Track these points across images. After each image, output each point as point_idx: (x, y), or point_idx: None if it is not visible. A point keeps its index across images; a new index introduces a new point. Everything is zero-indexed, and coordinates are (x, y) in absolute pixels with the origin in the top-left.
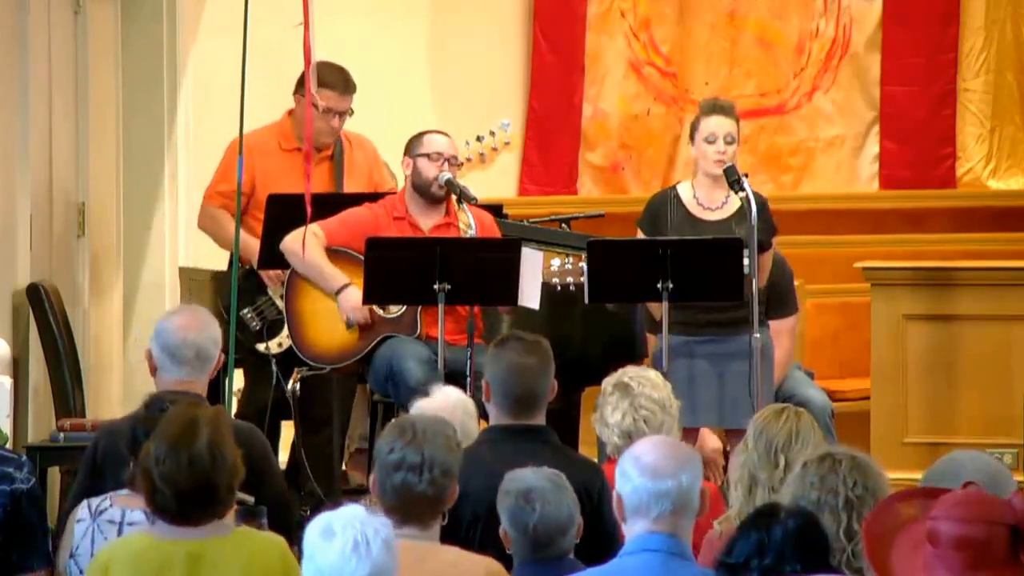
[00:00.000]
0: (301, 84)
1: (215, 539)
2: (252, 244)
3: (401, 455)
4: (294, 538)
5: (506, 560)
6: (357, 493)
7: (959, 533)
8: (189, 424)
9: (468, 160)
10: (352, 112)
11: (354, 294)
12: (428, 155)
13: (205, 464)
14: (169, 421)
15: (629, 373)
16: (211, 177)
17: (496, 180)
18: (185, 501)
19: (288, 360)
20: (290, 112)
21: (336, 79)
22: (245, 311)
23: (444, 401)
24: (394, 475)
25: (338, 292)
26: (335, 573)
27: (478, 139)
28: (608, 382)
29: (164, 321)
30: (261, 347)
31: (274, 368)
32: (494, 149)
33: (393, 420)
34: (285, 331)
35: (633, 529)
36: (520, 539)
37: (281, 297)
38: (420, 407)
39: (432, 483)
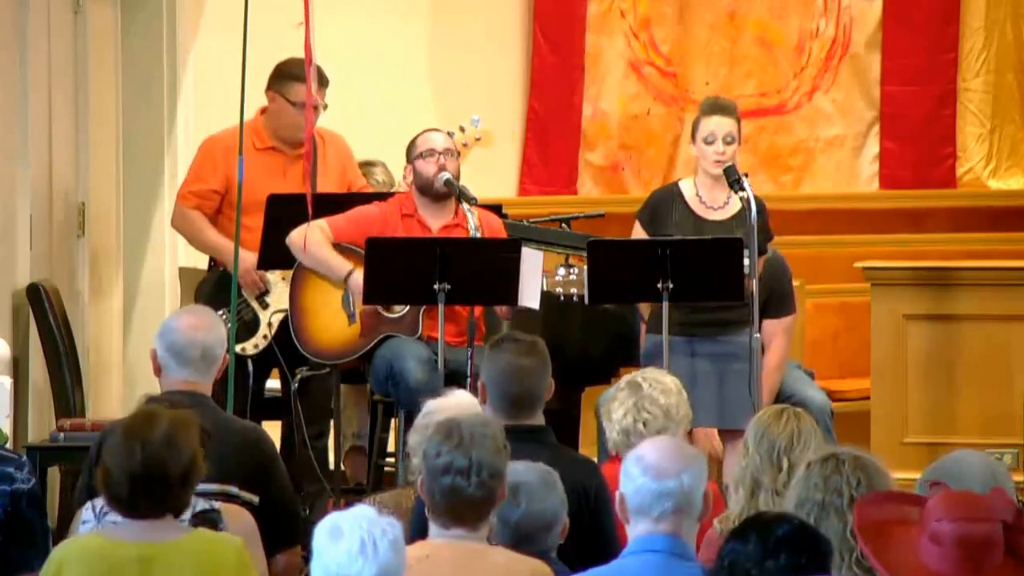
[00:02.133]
0: (275, 81)
1: (169, 541)
2: (227, 246)
3: (449, 459)
4: (300, 539)
5: None
6: (355, 492)
7: (961, 532)
8: (148, 417)
9: None
10: (326, 106)
11: (361, 277)
12: (422, 154)
13: (160, 452)
14: (130, 415)
15: (646, 374)
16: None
17: (496, 180)
18: (136, 489)
19: (264, 361)
20: (262, 110)
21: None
22: (220, 313)
23: (456, 407)
24: (442, 479)
25: (346, 279)
26: (342, 573)
27: (448, 135)
28: (624, 378)
29: (170, 321)
30: (237, 348)
31: (251, 369)
32: (464, 145)
33: (440, 423)
34: (261, 332)
35: (636, 529)
36: (502, 531)
37: (256, 299)
38: (433, 407)
39: (481, 486)
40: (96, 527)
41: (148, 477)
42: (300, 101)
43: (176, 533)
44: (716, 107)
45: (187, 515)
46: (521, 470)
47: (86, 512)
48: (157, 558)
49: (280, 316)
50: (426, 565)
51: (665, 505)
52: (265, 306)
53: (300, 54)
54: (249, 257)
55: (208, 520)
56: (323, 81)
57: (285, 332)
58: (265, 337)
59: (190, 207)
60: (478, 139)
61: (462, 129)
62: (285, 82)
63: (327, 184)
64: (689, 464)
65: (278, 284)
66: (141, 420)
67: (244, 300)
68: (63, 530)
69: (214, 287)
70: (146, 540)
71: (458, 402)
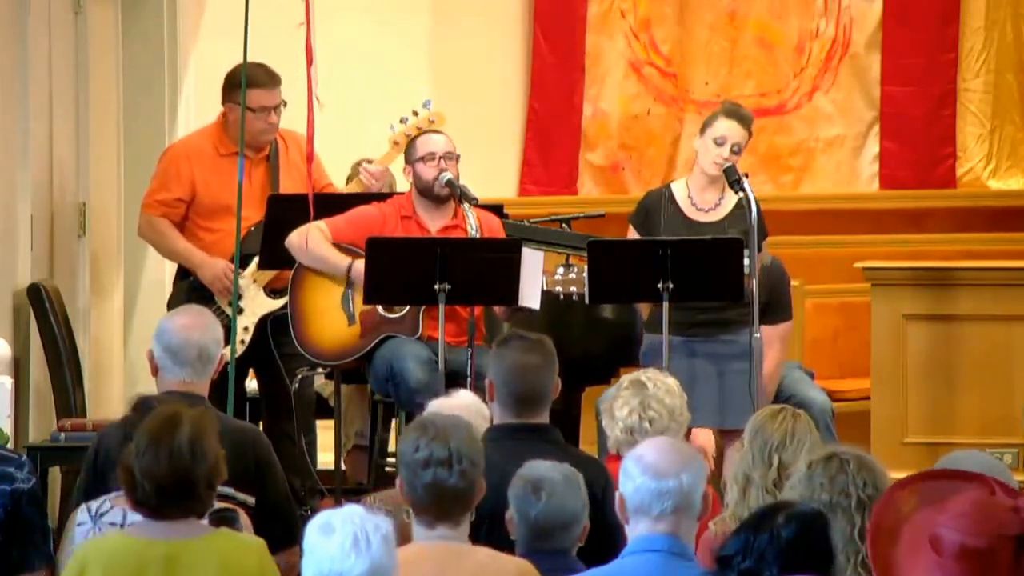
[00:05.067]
0: (231, 92)
1: (193, 540)
2: (196, 253)
3: (428, 452)
4: (298, 539)
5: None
6: (355, 492)
7: (962, 544)
8: (170, 420)
9: (396, 144)
10: (285, 103)
11: (362, 267)
12: (423, 158)
13: (185, 458)
14: (152, 417)
15: (649, 374)
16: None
17: (496, 180)
18: (164, 495)
19: (241, 364)
20: (222, 116)
21: (260, 77)
22: None
23: (458, 403)
24: (423, 473)
25: (348, 272)
26: (334, 568)
27: (402, 121)
28: (626, 377)
29: (166, 321)
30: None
31: (232, 373)
32: (419, 129)
33: (412, 422)
34: (239, 337)
35: (636, 529)
36: (521, 527)
37: (229, 305)
38: (436, 405)
39: (463, 475)
40: (92, 528)
41: (175, 483)
42: (260, 106)
43: (200, 532)
44: (736, 114)
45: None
46: (545, 467)
47: (81, 514)
48: (182, 557)
49: (255, 320)
50: (412, 569)
51: (665, 504)
52: (239, 311)
53: (301, 55)
54: (220, 263)
55: (226, 520)
56: (275, 79)
57: (269, 333)
58: (243, 342)
59: (157, 215)
60: (432, 121)
61: (415, 113)
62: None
63: (289, 186)
64: (688, 464)
65: (250, 288)
66: (164, 424)
67: (218, 307)
68: (63, 530)
69: (185, 300)
70: (171, 539)
71: (461, 402)
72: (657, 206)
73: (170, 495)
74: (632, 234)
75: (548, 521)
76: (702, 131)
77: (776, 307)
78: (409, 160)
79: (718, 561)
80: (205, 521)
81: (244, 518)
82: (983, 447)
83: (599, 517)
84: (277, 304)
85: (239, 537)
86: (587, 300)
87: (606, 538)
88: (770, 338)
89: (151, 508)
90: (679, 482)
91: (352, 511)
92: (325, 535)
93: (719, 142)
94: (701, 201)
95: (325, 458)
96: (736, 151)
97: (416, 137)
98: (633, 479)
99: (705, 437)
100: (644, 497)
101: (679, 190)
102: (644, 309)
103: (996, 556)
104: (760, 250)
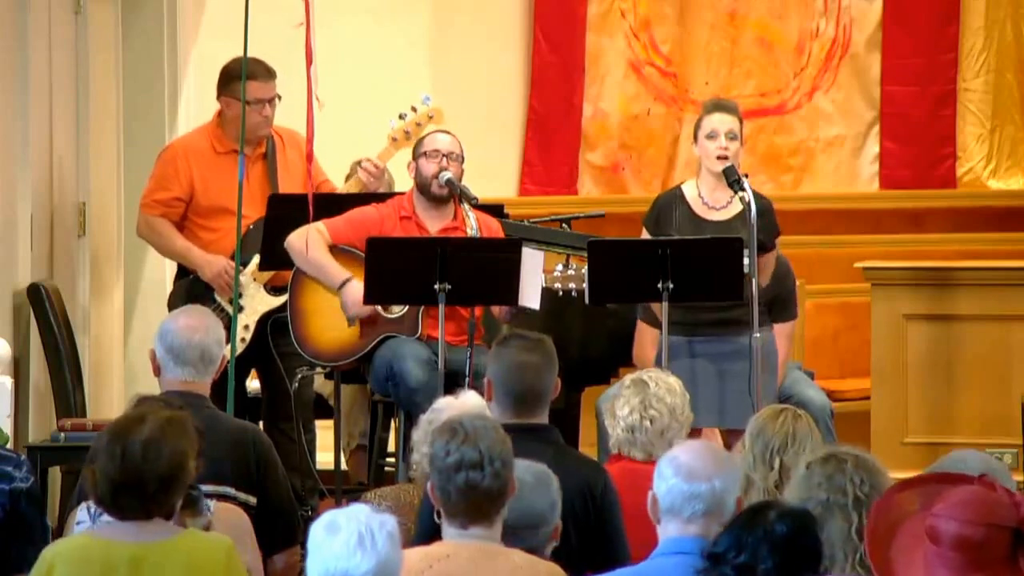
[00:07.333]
0: (224, 86)
1: (159, 542)
2: (195, 252)
3: (459, 455)
4: (298, 538)
5: None
6: (357, 491)
7: (958, 533)
8: (134, 421)
9: (394, 140)
10: (280, 97)
11: (356, 288)
12: (427, 153)
13: (136, 458)
14: (118, 418)
15: (651, 372)
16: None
17: (496, 180)
18: (117, 494)
19: (242, 363)
20: (219, 113)
21: (255, 69)
22: None
23: (462, 406)
24: (456, 476)
25: (340, 287)
26: (340, 567)
27: (400, 117)
28: (629, 376)
29: (169, 322)
30: None
31: (231, 373)
32: (418, 124)
33: (440, 426)
34: (239, 336)
35: (666, 530)
36: None
37: (229, 302)
38: (441, 405)
39: (495, 476)
40: (91, 527)
41: (126, 482)
42: (255, 98)
43: (167, 534)
44: (718, 106)
45: None
46: (519, 467)
47: (81, 512)
48: (147, 558)
49: (256, 318)
50: (446, 565)
51: (695, 507)
52: (239, 309)
53: (301, 55)
54: (221, 260)
55: (190, 500)
56: (270, 73)
57: (269, 334)
58: (243, 340)
59: (156, 215)
60: (431, 117)
61: (414, 109)
62: (236, 83)
63: (288, 185)
64: (722, 468)
65: (250, 286)
66: (127, 423)
67: (218, 305)
68: (63, 529)
69: (185, 298)
70: (137, 540)
71: (467, 403)
72: (669, 206)
73: (123, 494)
74: (645, 236)
75: (516, 521)
76: (695, 136)
77: (781, 305)
78: (414, 155)
79: (708, 558)
80: (173, 522)
81: (235, 513)
82: (983, 447)
83: (597, 519)
84: (278, 301)
85: (206, 536)
86: (587, 300)
87: (603, 540)
88: (777, 335)
89: (107, 507)
90: (711, 486)
91: (357, 510)
92: (331, 534)
93: (712, 136)
94: (712, 200)
95: (325, 458)
96: (732, 137)
97: (426, 135)
98: (666, 480)
99: (713, 439)
100: (675, 499)
101: (689, 190)
102: (656, 309)
103: (992, 547)
104: (772, 247)
